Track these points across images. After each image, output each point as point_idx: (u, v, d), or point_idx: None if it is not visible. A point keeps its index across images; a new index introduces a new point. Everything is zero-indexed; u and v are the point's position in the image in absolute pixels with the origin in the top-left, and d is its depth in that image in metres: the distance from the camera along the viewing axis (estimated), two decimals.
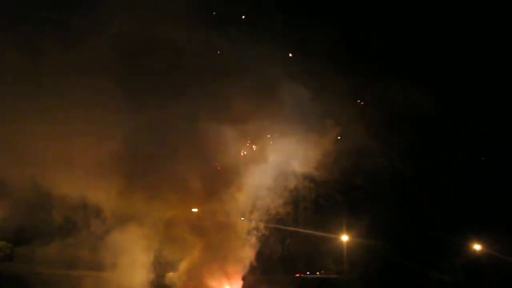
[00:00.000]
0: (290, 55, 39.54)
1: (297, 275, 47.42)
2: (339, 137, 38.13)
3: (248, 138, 36.75)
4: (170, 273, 37.72)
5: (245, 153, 36.90)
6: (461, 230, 47.22)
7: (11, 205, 40.02)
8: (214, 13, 38.65)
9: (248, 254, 36.50)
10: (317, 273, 51.29)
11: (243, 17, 39.74)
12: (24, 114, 32.78)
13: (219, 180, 35.17)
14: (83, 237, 36.07)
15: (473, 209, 47.17)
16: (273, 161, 36.73)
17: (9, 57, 32.65)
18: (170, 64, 35.12)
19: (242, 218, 36.90)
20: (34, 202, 34.88)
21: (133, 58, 34.97)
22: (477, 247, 48.02)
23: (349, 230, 47.42)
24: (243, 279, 37.64)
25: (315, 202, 40.91)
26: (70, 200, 35.37)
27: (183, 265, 36.64)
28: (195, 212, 35.87)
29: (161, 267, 37.43)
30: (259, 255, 37.29)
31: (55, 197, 35.03)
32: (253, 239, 36.92)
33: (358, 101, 42.42)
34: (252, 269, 37.09)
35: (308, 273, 48.45)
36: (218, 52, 37.15)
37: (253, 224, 37.21)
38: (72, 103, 33.01)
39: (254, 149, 37.06)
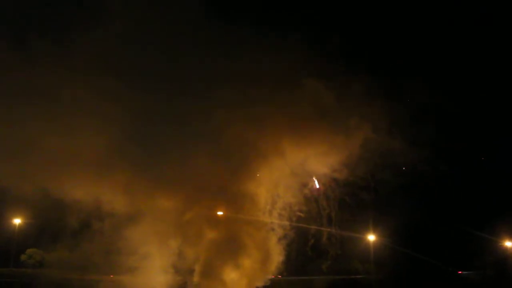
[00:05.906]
0: None
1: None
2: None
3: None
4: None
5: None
6: (492, 228, 46.23)
7: (30, 213, 40.76)
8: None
9: (271, 251, 34.97)
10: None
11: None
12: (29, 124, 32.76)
13: (237, 173, 33.83)
14: (103, 242, 34.81)
15: (505, 207, 46.19)
16: (294, 158, 35.74)
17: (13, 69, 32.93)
18: (181, 58, 34.88)
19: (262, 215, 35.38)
20: (49, 208, 34.31)
21: (143, 53, 34.95)
22: (508, 244, 47.02)
23: (376, 229, 46.97)
24: (271, 279, 37.39)
25: (341, 201, 39.96)
26: (84, 204, 34.75)
27: (199, 264, 35.07)
28: (213, 207, 34.38)
29: (181, 273, 36.98)
30: (284, 254, 36.20)
31: (68, 202, 34.22)
32: (275, 237, 35.41)
33: None
34: (277, 269, 36.20)
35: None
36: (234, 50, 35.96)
37: (274, 220, 35.77)
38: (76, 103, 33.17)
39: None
